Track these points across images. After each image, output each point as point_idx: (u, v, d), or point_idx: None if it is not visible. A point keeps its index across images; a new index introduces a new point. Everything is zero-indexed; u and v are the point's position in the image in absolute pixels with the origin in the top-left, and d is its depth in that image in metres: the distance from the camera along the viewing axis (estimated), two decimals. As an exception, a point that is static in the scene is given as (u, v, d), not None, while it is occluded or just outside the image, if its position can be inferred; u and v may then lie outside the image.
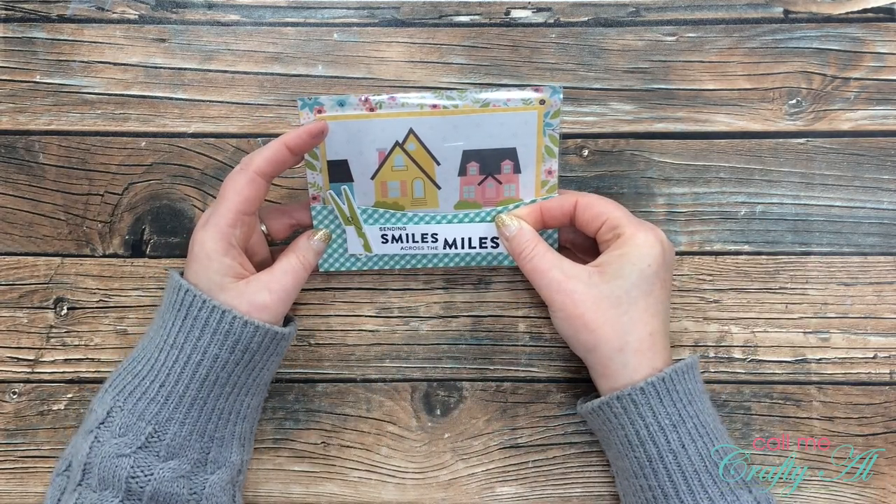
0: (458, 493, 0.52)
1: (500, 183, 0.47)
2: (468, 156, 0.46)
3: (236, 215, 0.43)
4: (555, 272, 0.45)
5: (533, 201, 0.48)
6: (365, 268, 0.50)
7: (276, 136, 0.44)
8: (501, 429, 0.52)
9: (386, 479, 0.52)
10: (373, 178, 0.47)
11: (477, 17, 0.52)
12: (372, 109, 0.45)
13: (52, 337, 0.52)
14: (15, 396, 0.52)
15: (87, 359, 0.52)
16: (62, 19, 0.52)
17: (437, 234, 0.49)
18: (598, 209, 0.46)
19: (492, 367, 0.52)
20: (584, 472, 0.52)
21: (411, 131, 0.45)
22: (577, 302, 0.44)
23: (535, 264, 0.46)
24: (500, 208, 0.48)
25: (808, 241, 0.52)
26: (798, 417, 0.52)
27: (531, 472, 0.52)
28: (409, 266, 0.50)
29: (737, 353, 0.52)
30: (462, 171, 0.47)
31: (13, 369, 0.52)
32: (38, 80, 0.52)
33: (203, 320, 0.42)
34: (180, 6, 0.52)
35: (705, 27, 0.52)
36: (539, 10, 0.52)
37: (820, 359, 0.52)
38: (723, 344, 0.52)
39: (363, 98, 0.45)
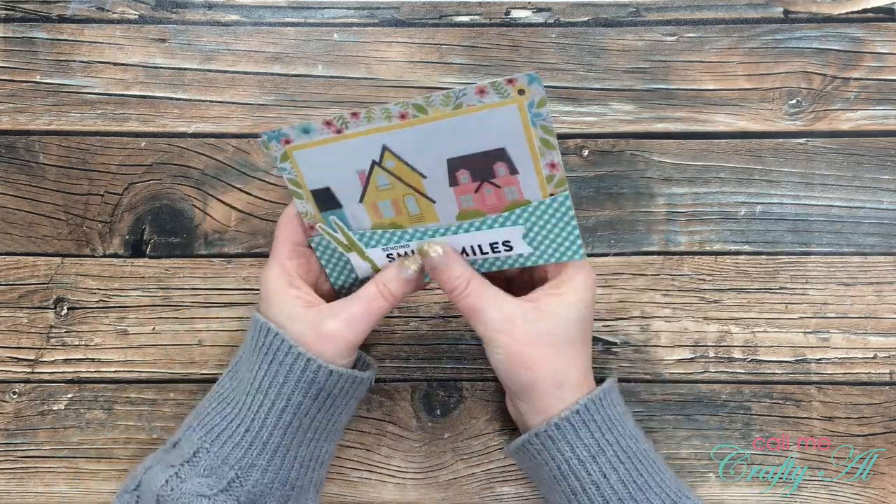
0: (458, 493, 0.52)
1: (499, 187, 0.43)
2: (454, 164, 0.42)
3: (291, 247, 0.45)
4: (492, 311, 0.43)
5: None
6: None
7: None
8: (501, 429, 0.52)
9: (386, 479, 0.52)
10: (361, 201, 0.44)
11: (477, 17, 0.52)
12: (339, 131, 0.42)
13: (52, 337, 0.52)
14: (15, 396, 0.52)
15: (87, 359, 0.52)
16: (62, 19, 0.52)
17: None
18: None
19: (492, 367, 0.52)
20: (584, 472, 0.52)
21: (385, 148, 0.42)
22: (517, 339, 0.43)
23: (470, 302, 0.43)
24: (506, 213, 0.44)
25: (808, 241, 0.52)
26: (798, 417, 0.52)
27: (531, 472, 0.52)
28: (424, 281, 0.46)
29: (737, 353, 0.52)
30: (453, 181, 0.43)
31: (13, 369, 0.52)
32: (38, 80, 0.52)
33: (287, 366, 0.42)
34: (180, 6, 0.52)
35: (705, 27, 0.52)
36: (539, 10, 0.52)
37: (820, 359, 0.52)
38: (723, 344, 0.52)
39: (326, 121, 0.42)
